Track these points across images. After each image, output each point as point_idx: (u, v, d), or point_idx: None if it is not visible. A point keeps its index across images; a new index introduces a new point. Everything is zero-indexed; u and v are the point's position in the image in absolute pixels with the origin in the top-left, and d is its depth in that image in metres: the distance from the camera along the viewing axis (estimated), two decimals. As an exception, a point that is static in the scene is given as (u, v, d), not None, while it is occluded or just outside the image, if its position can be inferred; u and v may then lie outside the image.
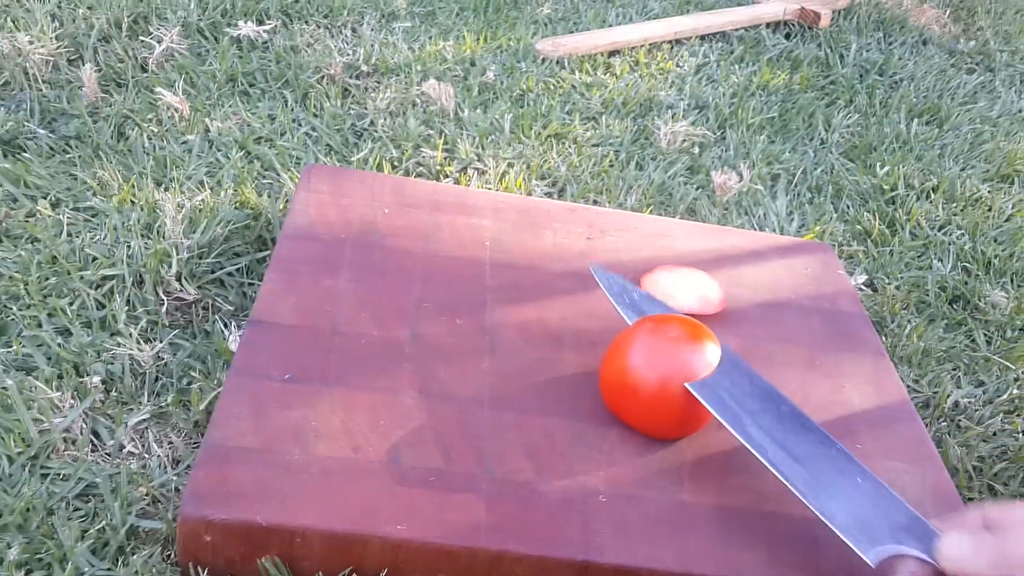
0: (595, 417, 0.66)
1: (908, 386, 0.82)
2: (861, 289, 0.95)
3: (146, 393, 0.67)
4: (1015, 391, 0.84)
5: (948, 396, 0.82)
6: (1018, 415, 0.82)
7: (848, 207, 1.08)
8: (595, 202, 0.99)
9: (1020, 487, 0.74)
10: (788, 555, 0.59)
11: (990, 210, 1.12)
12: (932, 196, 1.12)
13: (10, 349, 0.68)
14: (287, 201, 0.88)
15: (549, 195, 0.99)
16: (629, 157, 1.08)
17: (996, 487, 0.74)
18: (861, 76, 1.41)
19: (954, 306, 0.96)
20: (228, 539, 0.54)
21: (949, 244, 1.03)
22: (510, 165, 1.02)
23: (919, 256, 1.02)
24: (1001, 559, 0.50)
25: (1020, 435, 0.79)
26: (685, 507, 0.61)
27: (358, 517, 0.56)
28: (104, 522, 0.57)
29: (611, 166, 1.06)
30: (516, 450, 0.62)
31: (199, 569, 0.55)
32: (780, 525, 0.61)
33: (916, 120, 1.29)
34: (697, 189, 1.04)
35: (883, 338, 0.88)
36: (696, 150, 1.12)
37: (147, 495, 0.59)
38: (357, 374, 0.65)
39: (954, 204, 1.12)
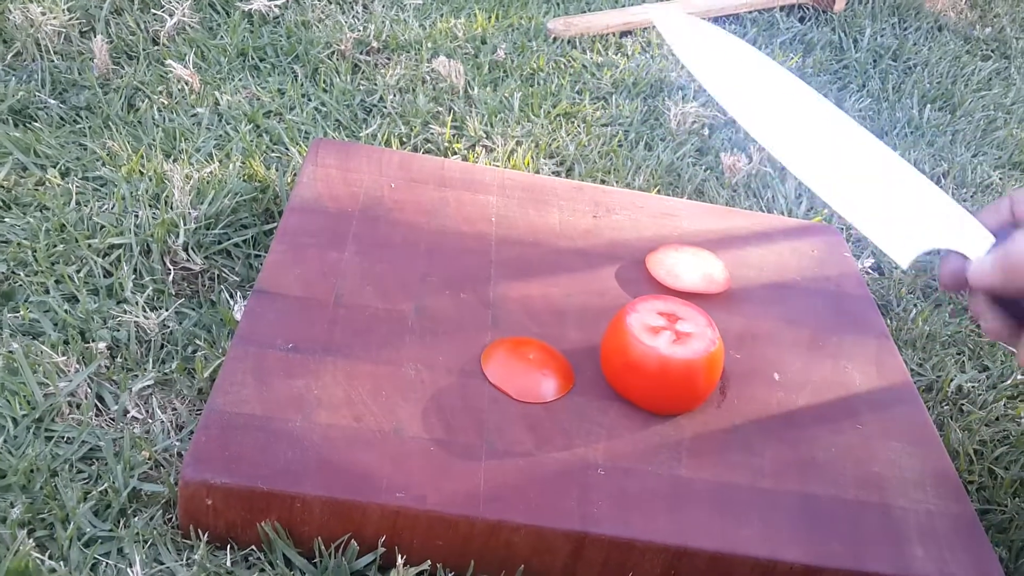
0: (596, 392, 0.67)
1: (912, 369, 0.82)
2: (868, 273, 0.94)
3: (151, 360, 0.67)
4: (1019, 376, 0.84)
5: (951, 380, 0.82)
6: (1021, 400, 0.82)
7: (857, 191, 1.07)
8: (603, 182, 0.99)
9: (1021, 471, 0.74)
10: (784, 532, 0.60)
11: (1000, 196, 1.11)
12: (943, 181, 1.12)
13: (17, 314, 0.68)
14: (295, 174, 0.88)
15: (557, 174, 0.99)
16: (638, 137, 1.08)
17: (996, 471, 0.74)
18: (875, 61, 1.40)
19: (961, 292, 0.95)
20: (229, 503, 0.55)
21: (958, 230, 1.03)
22: (518, 143, 1.02)
23: (927, 241, 1.01)
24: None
25: (1022, 420, 0.79)
26: (683, 482, 0.62)
27: (358, 484, 0.56)
28: (106, 484, 0.57)
29: (620, 146, 1.06)
30: (516, 423, 0.63)
31: (199, 532, 0.56)
32: (777, 502, 0.62)
33: (929, 106, 1.28)
34: (706, 170, 1.04)
35: (888, 321, 0.88)
36: (706, 131, 1.12)
37: (150, 459, 0.60)
38: (360, 345, 0.66)
39: (964, 190, 1.11)
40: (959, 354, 0.86)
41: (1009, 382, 0.83)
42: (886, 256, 0.96)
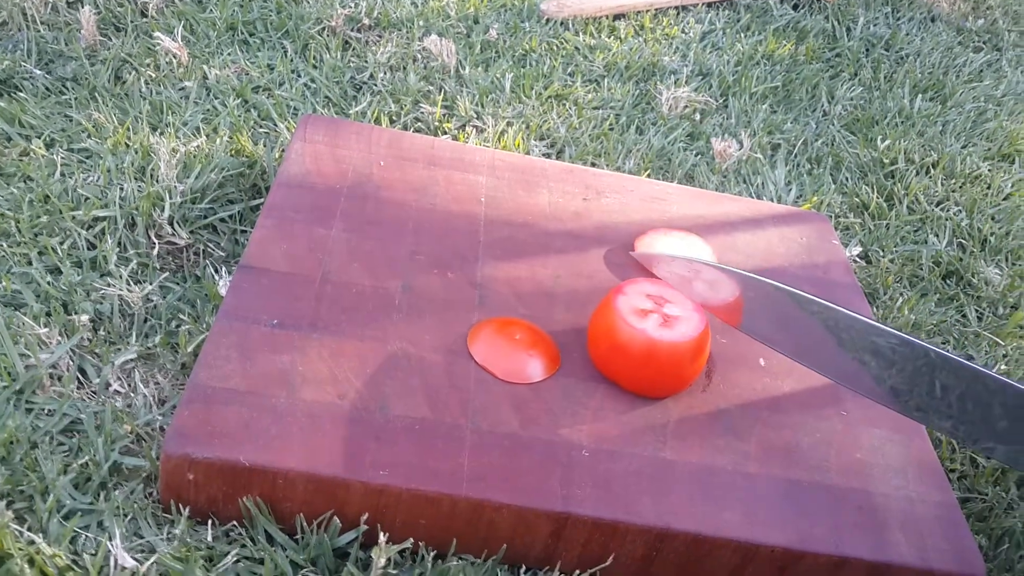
0: (582, 374, 0.67)
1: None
2: (855, 261, 0.95)
3: (134, 334, 0.67)
4: (1003, 367, 0.84)
5: (936, 369, 0.82)
6: (1005, 390, 0.82)
7: (847, 179, 1.07)
8: (593, 164, 0.99)
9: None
10: (767, 516, 0.60)
11: (989, 188, 1.11)
12: (931, 172, 1.12)
13: (-1, 285, 0.68)
14: (283, 150, 0.87)
15: (547, 156, 0.99)
16: (629, 121, 1.07)
17: (978, 459, 0.75)
18: (867, 50, 1.39)
19: (947, 281, 0.96)
20: (210, 478, 0.55)
21: (946, 220, 1.03)
22: (509, 124, 1.01)
23: (915, 230, 1.01)
24: None
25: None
26: (667, 465, 0.62)
27: (342, 462, 0.56)
28: (87, 457, 0.57)
29: (611, 129, 1.05)
30: (501, 403, 0.63)
31: (181, 507, 0.55)
32: (761, 486, 0.62)
33: (920, 96, 1.28)
34: (696, 156, 1.04)
35: (874, 309, 0.88)
36: (697, 117, 1.11)
37: (131, 433, 0.59)
38: (346, 322, 0.65)
39: (953, 180, 1.11)
40: (944, 343, 0.87)
41: (993, 372, 0.83)
42: (873, 245, 0.97)
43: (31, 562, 0.51)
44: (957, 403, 0.59)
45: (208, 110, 0.92)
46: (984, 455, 0.64)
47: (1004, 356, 0.86)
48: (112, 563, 0.52)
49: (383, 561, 0.54)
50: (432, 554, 0.56)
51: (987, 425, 0.58)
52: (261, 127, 0.92)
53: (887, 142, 1.14)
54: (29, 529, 0.53)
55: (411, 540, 0.56)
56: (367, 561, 0.55)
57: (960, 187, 1.11)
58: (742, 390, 0.69)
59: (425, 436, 0.59)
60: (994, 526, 0.69)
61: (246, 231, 0.79)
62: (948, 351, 0.59)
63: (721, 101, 1.17)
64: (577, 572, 0.57)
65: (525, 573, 0.57)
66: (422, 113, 1.00)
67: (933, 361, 0.60)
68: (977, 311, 0.92)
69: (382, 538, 0.55)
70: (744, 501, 0.60)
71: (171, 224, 0.76)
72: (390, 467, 0.56)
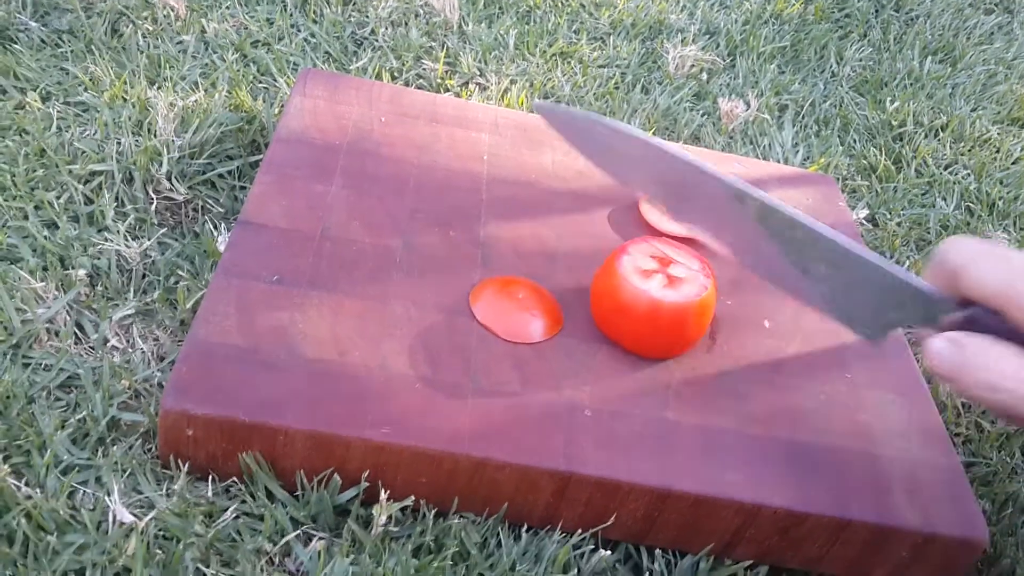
0: (585, 334, 0.66)
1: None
2: (862, 224, 0.93)
3: (132, 289, 0.66)
4: (1009, 331, 0.83)
5: (941, 333, 0.81)
6: (1010, 355, 0.82)
7: (855, 141, 1.06)
8: (597, 123, 0.97)
9: (1006, 426, 0.74)
10: (771, 477, 0.59)
11: (998, 152, 1.10)
12: (940, 135, 1.10)
13: (-5, 239, 0.67)
14: (282, 106, 0.86)
15: (551, 114, 0.97)
16: (635, 80, 1.06)
17: (983, 424, 0.74)
18: (877, 11, 1.37)
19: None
20: (210, 434, 0.54)
21: (954, 183, 1.02)
22: (512, 82, 1.00)
23: (923, 194, 1.00)
24: (1010, 268, 0.47)
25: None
26: (670, 425, 0.61)
27: (342, 419, 0.55)
28: (85, 412, 0.57)
29: (616, 88, 1.03)
30: (503, 362, 0.62)
31: (180, 463, 0.55)
32: (765, 448, 0.61)
33: (930, 58, 1.26)
34: (703, 116, 1.02)
35: (880, 273, 0.87)
36: (704, 76, 1.09)
37: (129, 388, 0.59)
38: (346, 280, 0.64)
39: (962, 144, 1.10)
40: (950, 307, 0.86)
41: (998, 337, 0.83)
42: (880, 208, 0.95)
43: (28, 516, 0.51)
44: (861, 307, 0.55)
45: (206, 64, 0.90)
46: (864, 338, 0.59)
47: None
48: (111, 518, 0.51)
49: (384, 518, 0.54)
50: (433, 512, 0.56)
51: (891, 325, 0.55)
52: (260, 82, 0.90)
53: (896, 104, 1.13)
54: (27, 484, 0.52)
55: (412, 498, 0.56)
56: (368, 518, 0.55)
57: (969, 150, 1.09)
58: (746, 352, 0.68)
59: (426, 395, 0.58)
60: (998, 491, 0.69)
61: (245, 187, 0.78)
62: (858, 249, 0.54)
63: (728, 61, 1.15)
64: (579, 531, 0.57)
65: (527, 532, 0.57)
66: (424, 70, 0.98)
67: (839, 256, 0.55)
68: (984, 275, 0.91)
69: (383, 495, 0.54)
70: (747, 462, 0.60)
71: (169, 179, 0.75)
72: (391, 425, 0.56)
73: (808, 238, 0.56)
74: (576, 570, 0.55)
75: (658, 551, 0.58)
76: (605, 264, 0.67)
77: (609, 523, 0.58)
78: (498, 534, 0.56)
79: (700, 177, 0.58)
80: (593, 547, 0.57)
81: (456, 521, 0.56)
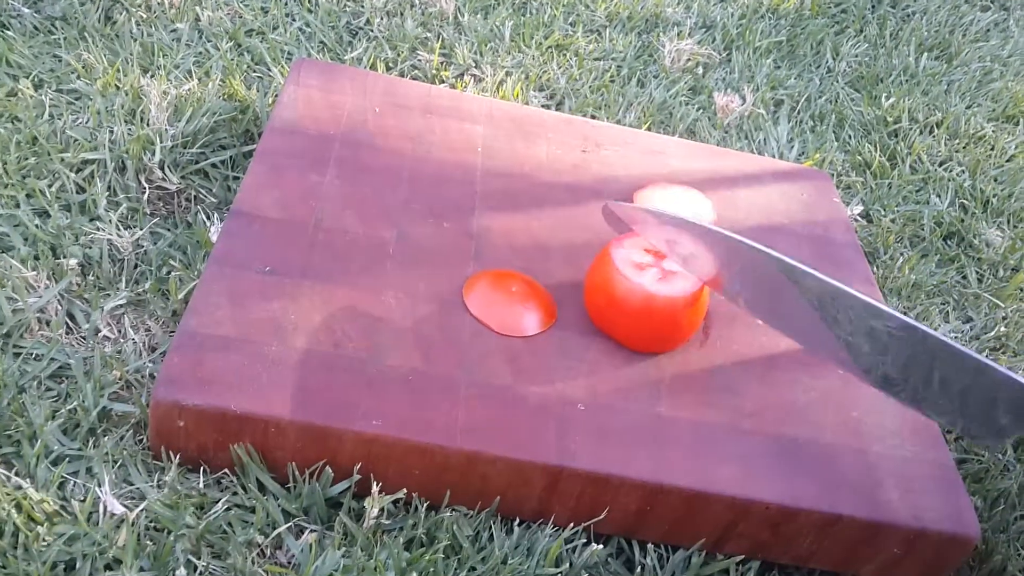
0: (578, 328, 0.66)
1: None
2: (856, 219, 0.93)
3: (124, 279, 0.66)
4: (1002, 329, 0.84)
5: (936, 329, 0.81)
6: (1003, 352, 0.82)
7: (850, 137, 1.06)
8: (593, 117, 0.97)
9: (998, 422, 0.74)
10: (763, 473, 0.59)
11: (992, 149, 1.10)
12: (935, 131, 1.10)
13: (-14, 227, 0.66)
14: (276, 96, 0.85)
15: (547, 107, 0.97)
16: (631, 73, 1.05)
17: (974, 420, 0.74)
18: (873, 7, 1.37)
19: (948, 242, 0.95)
20: (201, 425, 0.54)
21: (948, 180, 1.02)
22: (508, 74, 0.99)
23: (917, 190, 1.00)
24: None
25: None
26: (662, 420, 0.61)
27: (334, 411, 0.55)
28: (76, 403, 0.56)
29: (612, 81, 1.03)
30: (496, 355, 0.62)
31: (171, 454, 0.55)
32: (756, 443, 0.61)
33: (925, 54, 1.26)
34: (698, 110, 1.02)
35: (874, 269, 0.88)
36: (700, 70, 1.09)
37: (121, 379, 0.59)
38: (339, 271, 0.64)
39: (957, 141, 1.10)
40: (944, 304, 0.86)
41: (992, 334, 0.83)
42: (875, 204, 0.95)
43: (19, 507, 0.50)
44: (958, 397, 0.54)
45: (200, 53, 0.90)
46: (984, 449, 0.59)
47: (1004, 319, 0.85)
48: (101, 509, 0.51)
49: (376, 511, 0.54)
50: (425, 505, 0.56)
51: (989, 421, 0.54)
52: (254, 71, 0.89)
53: (891, 100, 1.12)
54: (17, 474, 0.52)
55: (404, 491, 0.56)
56: (360, 511, 0.55)
57: (964, 147, 1.09)
58: (739, 347, 0.68)
59: (419, 387, 0.58)
60: (989, 487, 0.69)
61: (238, 177, 0.77)
62: (950, 340, 0.54)
63: (724, 55, 1.14)
64: (571, 525, 0.57)
65: (519, 525, 0.57)
66: (419, 61, 0.97)
67: (932, 350, 0.54)
68: (978, 272, 0.91)
69: (375, 488, 0.54)
70: (739, 457, 0.60)
71: (162, 168, 0.74)
72: (383, 417, 0.55)
73: (928, 344, 0.55)
74: (568, 564, 0.55)
75: (650, 545, 0.58)
76: (599, 257, 0.67)
77: (601, 517, 0.58)
78: (490, 527, 0.56)
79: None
80: (585, 541, 0.57)
81: (448, 514, 0.56)
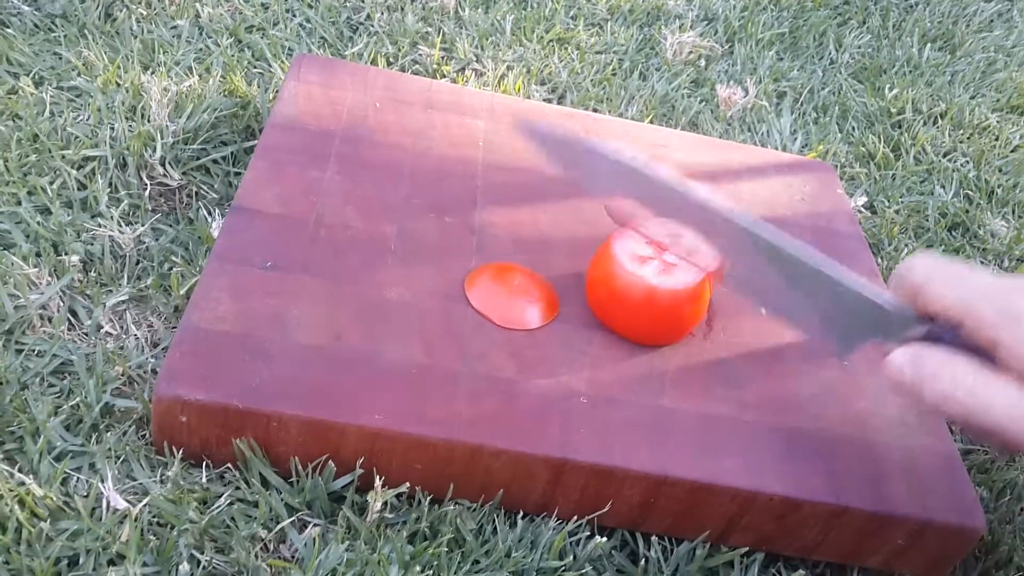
0: (581, 320, 0.66)
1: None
2: (860, 211, 0.93)
3: (126, 276, 0.66)
4: (1007, 319, 0.83)
5: (939, 320, 0.81)
6: (1008, 343, 0.81)
7: (853, 128, 1.05)
8: (595, 110, 0.96)
9: (966, 435, 0.74)
10: (766, 465, 0.59)
11: (997, 140, 1.10)
12: (939, 122, 1.10)
13: (-13, 225, 0.66)
14: (277, 92, 0.85)
15: (548, 101, 0.97)
16: (633, 66, 1.05)
17: (979, 411, 0.74)
18: (876, -2, 1.36)
19: (953, 233, 0.94)
20: (203, 420, 0.54)
21: (953, 171, 1.02)
22: (509, 68, 0.99)
23: (921, 181, 1.00)
24: (967, 285, 0.49)
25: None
26: (666, 412, 0.61)
27: (336, 406, 0.55)
28: (78, 399, 0.56)
29: (614, 74, 1.03)
30: (499, 349, 0.62)
31: (174, 449, 0.55)
32: (760, 435, 0.61)
33: (929, 45, 1.25)
34: (701, 103, 1.02)
35: (879, 260, 0.87)
36: (702, 63, 1.09)
37: (123, 375, 0.58)
38: (341, 266, 0.64)
39: (961, 131, 1.09)
40: (948, 295, 0.85)
41: (996, 324, 0.82)
42: (879, 196, 0.95)
43: (21, 503, 0.50)
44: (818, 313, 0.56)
45: (200, 49, 0.90)
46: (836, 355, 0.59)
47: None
48: (104, 505, 0.51)
49: (379, 505, 0.53)
50: (429, 499, 0.56)
51: (845, 333, 0.56)
52: (255, 67, 0.89)
53: (895, 91, 1.12)
54: (19, 470, 0.52)
55: (407, 484, 0.56)
56: (363, 505, 0.55)
57: (968, 138, 1.09)
58: (743, 339, 0.68)
59: (421, 381, 0.58)
60: (995, 478, 0.69)
61: (239, 173, 0.77)
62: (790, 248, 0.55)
63: (727, 47, 1.14)
64: (575, 518, 0.57)
65: (523, 518, 0.56)
66: (420, 55, 0.97)
67: (802, 272, 0.56)
68: (983, 263, 0.91)
69: (378, 482, 0.54)
70: (743, 449, 0.60)
71: (163, 165, 0.74)
72: (385, 411, 0.55)
73: (786, 258, 0.56)
74: (572, 556, 0.55)
75: (654, 538, 0.58)
76: (600, 250, 0.66)
77: (605, 510, 0.58)
78: (494, 521, 0.56)
79: (683, 200, 0.58)
80: (589, 534, 0.57)
81: (451, 508, 0.55)
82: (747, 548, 0.59)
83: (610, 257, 0.65)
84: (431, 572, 0.52)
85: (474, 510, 0.56)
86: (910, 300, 0.52)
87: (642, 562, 0.57)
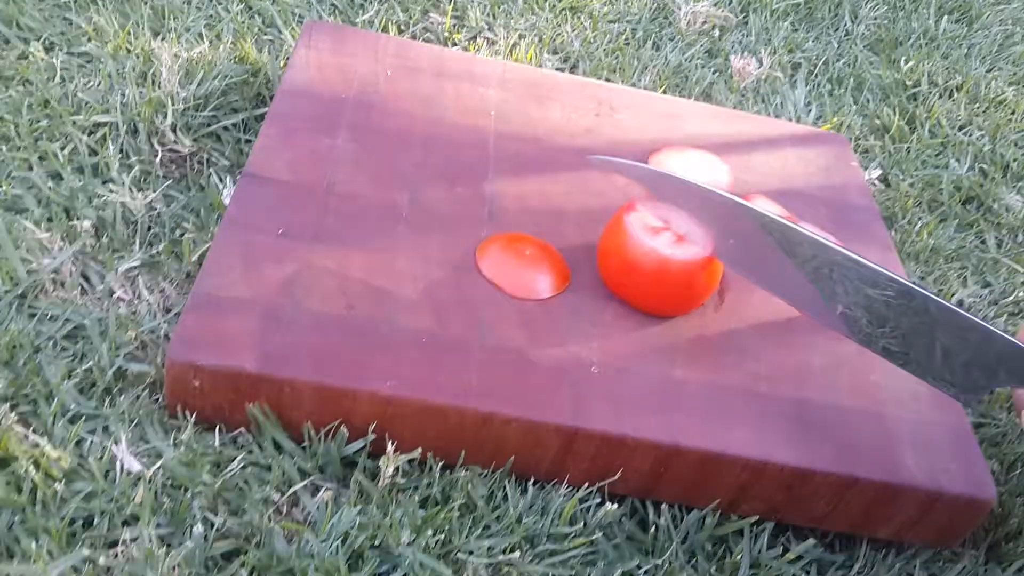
0: (592, 291, 0.65)
1: (914, 283, 0.81)
2: (874, 184, 0.92)
3: (137, 241, 0.66)
4: (1021, 293, 0.83)
5: (953, 294, 0.81)
6: (1022, 317, 0.81)
7: (868, 101, 1.04)
8: (608, 80, 0.96)
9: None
10: (777, 435, 0.59)
11: (1013, 113, 1.08)
12: (955, 95, 1.09)
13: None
14: (287, 59, 0.85)
15: (560, 70, 0.96)
16: (646, 36, 1.04)
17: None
18: (893, -31, 1.34)
19: (967, 207, 0.94)
20: (216, 385, 0.54)
21: (968, 145, 1.01)
22: (521, 37, 0.98)
23: (936, 155, 0.99)
24: None
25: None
26: (677, 383, 0.61)
27: (349, 372, 0.55)
28: (91, 363, 0.56)
29: (627, 44, 1.02)
30: (510, 318, 0.61)
31: (187, 413, 0.55)
32: (771, 406, 0.61)
33: (946, 17, 1.23)
34: (714, 73, 1.01)
35: (893, 233, 0.87)
36: (716, 33, 1.08)
37: (136, 339, 0.59)
38: (352, 234, 0.64)
39: (977, 105, 1.08)
40: (962, 269, 0.85)
41: (1011, 299, 0.82)
42: (893, 169, 0.94)
43: (36, 464, 0.51)
44: (961, 369, 0.54)
45: (211, 16, 0.89)
46: (965, 404, 0.59)
47: (1023, 283, 0.84)
48: (118, 467, 0.52)
49: (391, 470, 0.54)
50: (440, 465, 0.56)
51: (991, 388, 0.54)
52: (265, 34, 0.89)
53: (910, 64, 1.11)
54: (34, 432, 0.52)
55: (419, 450, 0.56)
56: (375, 470, 0.55)
57: (984, 111, 1.08)
58: (755, 310, 0.68)
59: (432, 350, 0.58)
60: (1007, 451, 0.68)
61: (250, 140, 0.77)
62: (952, 305, 0.52)
63: (741, 17, 1.13)
64: (586, 485, 0.57)
65: (534, 485, 0.57)
66: (431, 23, 0.96)
67: (935, 318, 0.53)
68: (997, 238, 0.90)
69: (390, 447, 0.54)
70: (754, 420, 0.60)
71: (174, 131, 0.74)
72: (397, 378, 0.55)
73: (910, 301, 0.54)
74: (583, 523, 0.55)
75: (664, 506, 0.58)
76: (612, 221, 0.66)
77: (615, 478, 0.58)
78: (505, 487, 0.56)
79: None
80: (600, 501, 0.57)
81: (463, 474, 0.56)
82: (757, 517, 0.59)
83: (622, 227, 0.64)
84: (442, 536, 0.52)
85: (485, 476, 0.57)
86: None
87: (652, 529, 0.57)
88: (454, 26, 0.97)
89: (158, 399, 0.56)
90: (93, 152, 0.71)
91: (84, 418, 0.54)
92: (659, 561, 0.56)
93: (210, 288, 0.57)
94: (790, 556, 0.58)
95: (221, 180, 0.72)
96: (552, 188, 0.73)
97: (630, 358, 0.61)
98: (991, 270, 0.86)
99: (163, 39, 0.83)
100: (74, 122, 0.72)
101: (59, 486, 0.50)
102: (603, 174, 0.75)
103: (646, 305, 0.65)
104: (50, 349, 0.57)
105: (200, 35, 0.86)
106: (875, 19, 1.20)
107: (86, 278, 0.62)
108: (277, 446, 0.55)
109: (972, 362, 0.53)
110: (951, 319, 0.53)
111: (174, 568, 0.47)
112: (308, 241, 0.62)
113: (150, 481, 0.51)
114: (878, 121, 1.01)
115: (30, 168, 0.68)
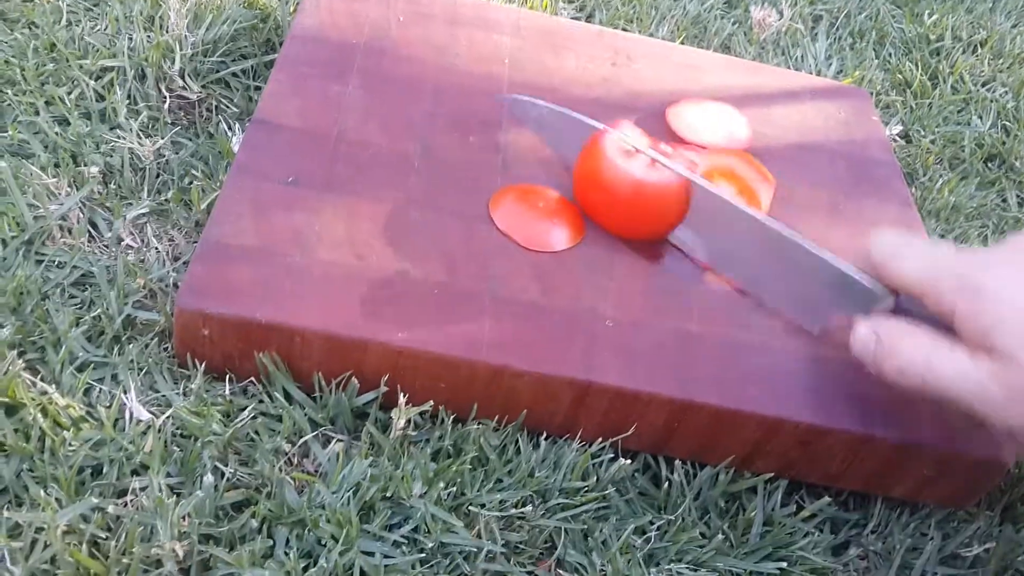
0: (606, 244, 0.64)
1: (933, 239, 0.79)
2: (895, 140, 0.90)
3: (145, 188, 0.65)
4: (1041, 253, 0.81)
5: (972, 253, 0.79)
6: (1041, 277, 0.80)
7: (890, 55, 1.02)
8: (624, 30, 0.93)
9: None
10: (793, 392, 0.58)
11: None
12: (979, 50, 1.06)
13: (5, 134, 0.65)
14: (298, 3, 0.83)
15: (576, 19, 0.94)
16: (663, -14, 1.01)
17: (1009, 345, 0.73)
18: (918, -81, 1.31)
19: (989, 165, 0.92)
20: (226, 334, 0.53)
21: (991, 101, 0.98)
22: (536, -15, 0.96)
23: (959, 111, 0.97)
24: (929, 259, 0.51)
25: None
26: (692, 338, 0.60)
27: (359, 322, 0.54)
28: (100, 310, 0.56)
29: (643, -6, 0.99)
30: (523, 271, 0.60)
31: (196, 361, 0.54)
32: (787, 362, 0.60)
33: (972, -30, 1.20)
34: (734, 24, 0.98)
35: (913, 190, 0.85)
36: (735, -17, 1.05)
37: (144, 287, 0.58)
38: (363, 183, 0.63)
39: (1001, 60, 1.06)
40: (983, 227, 0.83)
41: (1030, 258, 0.81)
42: (914, 125, 0.92)
43: (44, 412, 0.50)
44: (804, 300, 0.60)
45: (219, -41, 0.87)
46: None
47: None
48: (127, 416, 0.51)
49: (403, 422, 0.53)
50: (452, 417, 0.55)
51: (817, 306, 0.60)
52: (275, -21, 0.87)
53: (934, 17, 1.08)
54: (42, 379, 0.52)
55: (431, 403, 0.55)
56: (387, 422, 0.55)
57: (1008, 68, 1.05)
58: (772, 266, 0.66)
59: (444, 301, 0.57)
60: None
61: (260, 87, 0.75)
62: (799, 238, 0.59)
63: None
64: (599, 440, 0.57)
65: (546, 440, 0.56)
66: (445, -30, 0.94)
67: (785, 251, 0.59)
68: (1018, 196, 0.88)
69: (402, 399, 0.54)
70: (769, 375, 0.59)
71: (182, 77, 0.72)
72: (408, 329, 0.55)
73: (761, 232, 0.60)
74: (595, 478, 0.55)
75: (678, 462, 0.58)
76: (588, 145, 0.65)
77: (628, 433, 0.57)
78: (517, 441, 0.56)
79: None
80: (612, 456, 0.57)
81: (475, 427, 0.55)
82: (771, 474, 0.59)
83: (597, 151, 0.63)
84: (454, 489, 0.52)
85: (497, 430, 0.56)
86: (877, 274, 0.54)
87: (665, 485, 0.57)
88: (467, -27, 0.95)
89: (167, 348, 0.56)
90: (100, 97, 0.70)
91: (92, 366, 0.53)
92: (671, 517, 0.55)
93: (219, 236, 0.56)
94: (804, 514, 0.58)
95: (230, 127, 0.71)
96: (567, 139, 0.72)
97: (645, 312, 0.60)
98: (1012, 228, 0.84)
99: (170, -18, 0.81)
100: (81, 66, 0.71)
101: (68, 434, 0.49)
102: (618, 125, 0.73)
103: (622, 229, 0.64)
104: (58, 296, 0.56)
105: (208, -21, 0.83)
106: (899, -29, 1.17)
107: (94, 225, 0.61)
108: (288, 396, 0.54)
109: (812, 292, 0.59)
110: (797, 252, 0.59)
111: (184, 517, 0.47)
112: (318, 189, 0.61)
113: (159, 430, 0.50)
114: (900, 76, 0.99)
115: (36, 112, 0.67)
